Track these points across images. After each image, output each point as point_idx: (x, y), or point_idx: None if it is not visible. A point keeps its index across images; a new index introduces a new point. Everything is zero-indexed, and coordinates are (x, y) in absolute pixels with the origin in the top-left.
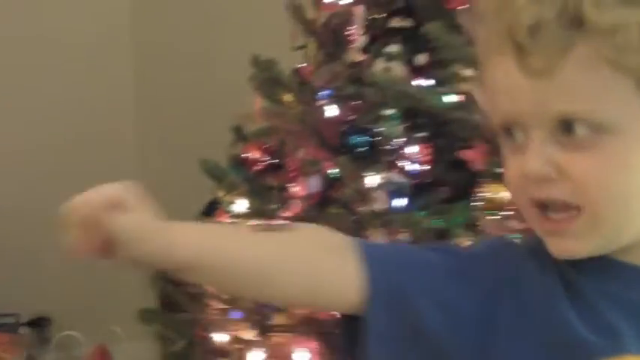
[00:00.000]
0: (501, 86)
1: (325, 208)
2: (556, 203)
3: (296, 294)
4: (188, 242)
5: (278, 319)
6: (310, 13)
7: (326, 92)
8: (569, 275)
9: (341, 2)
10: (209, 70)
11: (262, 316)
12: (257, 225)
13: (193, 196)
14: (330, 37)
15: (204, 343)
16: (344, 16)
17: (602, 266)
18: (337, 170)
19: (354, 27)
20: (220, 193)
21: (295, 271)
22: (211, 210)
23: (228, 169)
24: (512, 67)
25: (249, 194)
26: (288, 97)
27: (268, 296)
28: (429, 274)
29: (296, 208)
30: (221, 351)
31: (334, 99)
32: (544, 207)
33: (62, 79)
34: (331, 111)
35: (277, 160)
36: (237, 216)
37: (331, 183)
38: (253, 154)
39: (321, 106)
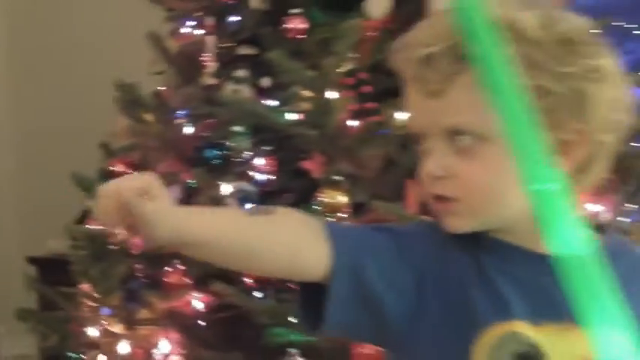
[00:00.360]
0: (409, 106)
1: None
2: (444, 197)
3: (278, 266)
4: (195, 225)
5: (143, 314)
6: (168, 42)
7: (182, 112)
8: (478, 255)
9: (195, 32)
10: (78, 92)
11: (129, 312)
12: (249, 209)
13: (70, 204)
14: (185, 63)
15: (79, 337)
16: (197, 45)
17: (496, 247)
18: (194, 181)
19: (206, 54)
20: (91, 203)
21: (278, 248)
22: (85, 217)
23: (96, 181)
24: (414, 91)
25: None
26: (148, 117)
27: (256, 268)
28: (378, 253)
29: None
30: (93, 344)
31: (190, 118)
32: (439, 198)
33: None
34: (187, 128)
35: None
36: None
37: (189, 192)
38: (119, 168)
39: (179, 124)
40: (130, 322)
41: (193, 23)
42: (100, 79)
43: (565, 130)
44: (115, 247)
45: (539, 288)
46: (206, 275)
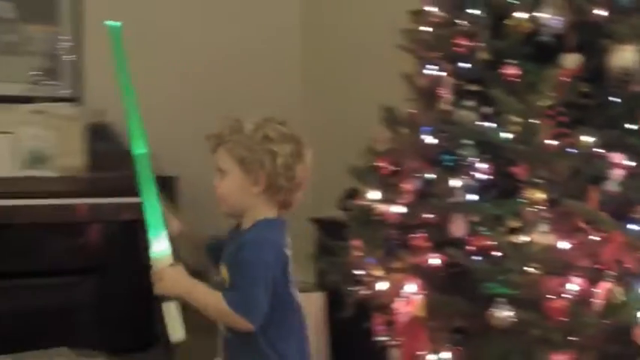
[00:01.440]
0: None
1: (426, 199)
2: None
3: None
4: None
5: (396, 265)
6: (416, 79)
7: (427, 128)
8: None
9: (435, 73)
10: (355, 102)
11: (387, 262)
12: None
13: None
14: (427, 94)
15: (350, 276)
16: (436, 82)
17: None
18: (433, 176)
19: (442, 89)
20: (360, 185)
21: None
22: (349, 195)
23: (366, 171)
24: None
25: (378, 187)
26: (403, 130)
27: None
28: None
29: (406, 198)
30: (359, 281)
31: (432, 132)
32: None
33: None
34: (430, 140)
35: (396, 168)
36: (370, 201)
37: (429, 184)
38: (382, 163)
39: (424, 136)
40: (387, 270)
41: (435, 67)
42: (368, 98)
43: (257, 174)
44: (377, 218)
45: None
46: (442, 241)
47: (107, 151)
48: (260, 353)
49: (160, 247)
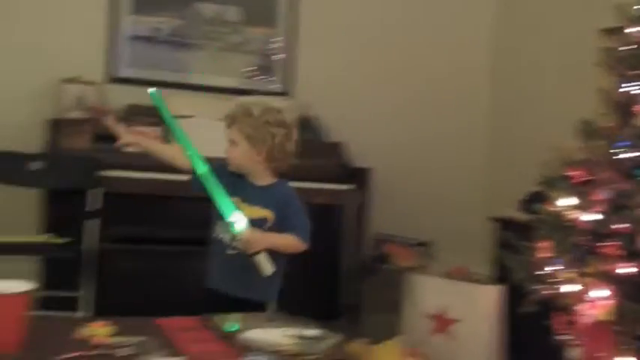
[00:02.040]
0: None
1: (619, 210)
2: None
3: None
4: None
5: (585, 269)
6: (612, 95)
7: (623, 143)
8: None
9: (631, 91)
10: (547, 121)
11: (576, 267)
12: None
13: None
14: (623, 110)
15: (537, 276)
16: (632, 99)
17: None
18: (627, 188)
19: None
20: (549, 192)
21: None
22: (533, 198)
23: (557, 179)
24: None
25: (570, 195)
26: (598, 142)
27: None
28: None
29: (598, 207)
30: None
31: (627, 147)
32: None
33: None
34: (625, 154)
35: (588, 178)
36: (560, 207)
37: (623, 197)
38: (575, 172)
39: (619, 150)
40: (576, 273)
41: (630, 84)
42: (564, 113)
43: (259, 146)
44: (568, 223)
45: (250, 192)
46: (634, 251)
47: (311, 142)
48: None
49: (239, 223)
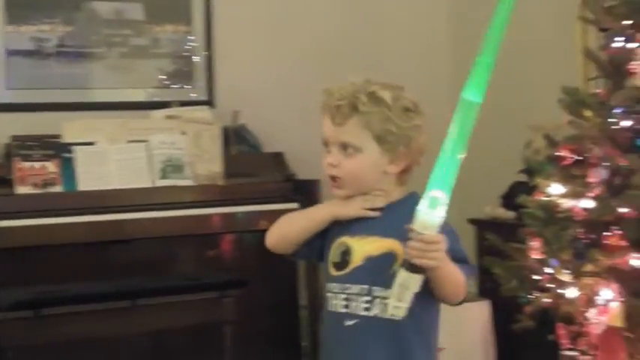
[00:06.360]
0: (324, 127)
1: (620, 191)
2: (334, 177)
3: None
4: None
5: (588, 268)
6: (601, 55)
7: (619, 109)
8: None
9: (625, 46)
10: (521, 93)
11: (575, 265)
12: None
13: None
14: (613, 70)
15: (529, 282)
16: (625, 55)
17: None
18: (627, 164)
19: (634, 62)
20: (537, 180)
21: None
22: (516, 191)
23: (545, 163)
24: (328, 120)
25: (561, 180)
26: (588, 114)
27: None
28: None
29: (595, 191)
30: (543, 288)
31: (625, 114)
32: (332, 178)
33: None
34: (624, 122)
35: (580, 157)
36: (551, 196)
37: (623, 174)
38: (564, 153)
39: (615, 119)
40: (577, 273)
41: (623, 39)
42: (541, 82)
43: (397, 152)
44: (562, 215)
45: (361, 220)
46: None
47: (243, 156)
48: (405, 340)
49: (443, 210)
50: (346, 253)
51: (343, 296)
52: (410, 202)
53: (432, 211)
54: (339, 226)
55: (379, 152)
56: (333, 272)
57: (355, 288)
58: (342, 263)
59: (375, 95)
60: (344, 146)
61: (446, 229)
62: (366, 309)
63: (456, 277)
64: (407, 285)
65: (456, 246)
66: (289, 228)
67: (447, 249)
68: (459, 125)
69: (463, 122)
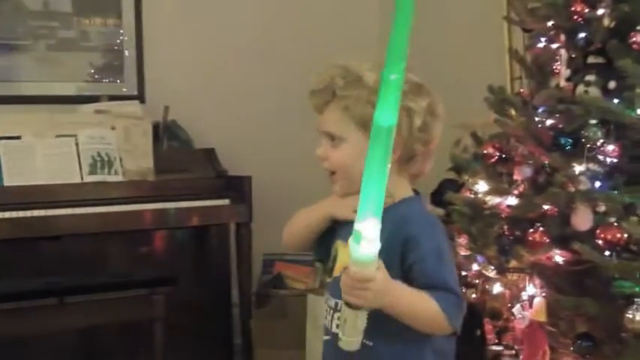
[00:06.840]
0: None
1: (543, 189)
2: (329, 170)
3: None
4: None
5: (513, 264)
6: (524, 55)
7: (542, 108)
8: None
9: (549, 46)
10: (451, 92)
11: (501, 261)
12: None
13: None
14: (538, 70)
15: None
16: (549, 56)
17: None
18: (549, 162)
19: (557, 63)
20: (464, 177)
21: None
22: (445, 188)
23: (471, 160)
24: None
25: (487, 178)
26: (512, 112)
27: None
28: None
29: (519, 188)
30: (469, 284)
31: (547, 113)
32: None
33: None
34: (547, 121)
35: (505, 155)
36: (477, 193)
37: (545, 171)
38: (489, 151)
39: (539, 118)
40: (502, 270)
41: (545, 39)
42: (468, 81)
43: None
44: (488, 212)
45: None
46: (564, 235)
47: (174, 152)
48: None
49: (370, 245)
50: (334, 260)
51: (325, 307)
52: (401, 208)
53: (357, 247)
54: (340, 227)
55: (365, 140)
56: (327, 278)
57: (331, 301)
58: (330, 271)
59: (353, 77)
60: (330, 136)
61: (429, 250)
62: (338, 326)
63: (420, 310)
64: (351, 321)
65: (435, 269)
66: (294, 225)
67: (423, 273)
68: (378, 151)
69: (382, 147)
